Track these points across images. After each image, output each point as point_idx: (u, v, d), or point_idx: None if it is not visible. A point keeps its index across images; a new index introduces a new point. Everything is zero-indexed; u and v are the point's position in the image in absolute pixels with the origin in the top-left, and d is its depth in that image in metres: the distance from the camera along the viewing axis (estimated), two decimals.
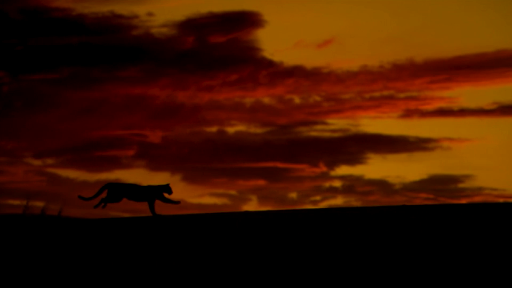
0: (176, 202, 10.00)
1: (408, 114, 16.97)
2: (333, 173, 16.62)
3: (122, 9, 16.90)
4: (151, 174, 16.60)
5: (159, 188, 10.08)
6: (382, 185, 16.51)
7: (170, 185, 10.10)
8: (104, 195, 9.90)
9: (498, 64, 16.95)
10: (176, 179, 15.65)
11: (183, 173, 16.27)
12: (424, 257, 6.14)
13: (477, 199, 15.89)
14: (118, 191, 9.93)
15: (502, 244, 6.55)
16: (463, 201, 15.57)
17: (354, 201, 16.39)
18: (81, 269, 6.32)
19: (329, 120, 16.98)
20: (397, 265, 5.92)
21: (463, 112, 16.92)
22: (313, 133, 16.95)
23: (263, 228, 8.39)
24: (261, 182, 16.58)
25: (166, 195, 10.04)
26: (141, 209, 10.19)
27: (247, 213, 10.45)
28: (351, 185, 16.47)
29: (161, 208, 10.16)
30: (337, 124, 16.94)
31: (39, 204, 10.18)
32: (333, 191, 16.38)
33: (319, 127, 16.95)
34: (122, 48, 16.85)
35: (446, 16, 17.34)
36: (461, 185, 16.45)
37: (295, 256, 6.45)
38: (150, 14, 16.82)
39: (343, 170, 16.65)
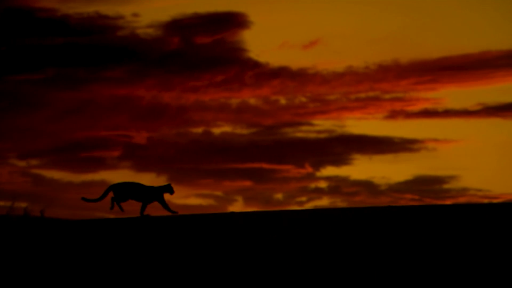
0: (173, 212, 9.92)
1: (393, 115, 17.02)
2: (318, 174, 16.64)
3: (107, 9, 16.86)
4: (137, 175, 16.56)
5: (161, 189, 9.98)
6: (367, 186, 16.55)
7: (172, 185, 10.01)
8: (109, 197, 9.84)
9: (483, 66, 17.03)
10: (162, 180, 15.61)
11: (168, 174, 16.24)
12: (409, 258, 6.16)
13: (462, 199, 15.96)
14: (123, 191, 9.85)
15: (487, 244, 6.57)
16: (448, 201, 15.63)
17: (339, 202, 16.42)
18: (64, 270, 6.29)
19: (315, 121, 17.00)
20: (383, 265, 5.93)
21: (448, 113, 16.98)
22: (299, 134, 16.96)
23: (249, 229, 8.38)
24: (247, 183, 16.59)
25: (168, 195, 9.96)
26: (127, 209, 10.16)
27: (233, 214, 10.44)
28: (337, 186, 16.49)
29: (150, 210, 10.13)
30: (322, 125, 16.96)
31: (24, 205, 10.13)
32: (319, 192, 16.41)
33: (304, 128, 16.97)
34: (108, 48, 16.81)
35: (431, 18, 17.40)
36: (446, 186, 16.51)
37: (281, 256, 6.45)
38: (135, 14, 16.79)
39: (329, 171, 16.68)
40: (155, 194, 9.96)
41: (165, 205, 9.92)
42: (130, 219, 9.94)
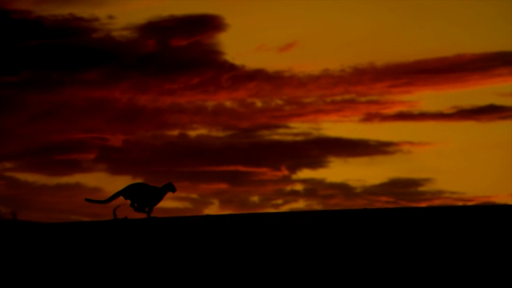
0: (151, 217, 9.84)
1: (369, 118, 17.09)
2: (294, 176, 16.67)
3: (82, 11, 16.79)
4: (112, 178, 16.49)
5: (164, 189, 9.80)
6: (343, 189, 16.60)
7: (172, 183, 9.85)
8: (118, 201, 9.72)
9: (458, 69, 17.14)
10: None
11: (144, 177, 16.16)
12: (384, 260, 6.17)
13: (437, 202, 16.06)
14: (135, 194, 9.70)
15: (461, 247, 6.60)
16: (423, 204, 15.71)
17: (315, 205, 16.46)
18: (35, 273, 6.25)
19: (291, 124, 17.03)
20: (358, 268, 5.94)
21: (423, 116, 17.08)
22: (275, 137, 16.98)
23: (225, 232, 8.37)
24: (223, 186, 16.58)
25: (170, 193, 9.82)
26: (103, 212, 10.08)
27: (208, 216, 10.42)
28: (313, 188, 16.53)
29: (120, 212, 10.06)
30: (299, 127, 17.00)
31: None
32: (295, 194, 16.43)
33: (281, 130, 16.99)
34: (83, 51, 16.74)
35: (406, 21, 17.48)
36: (421, 189, 16.61)
37: (257, 259, 6.44)
38: (110, 17, 16.73)
39: (305, 173, 16.72)
40: (160, 194, 9.83)
41: (151, 210, 9.83)
42: (104, 222, 9.88)
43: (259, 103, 17.00)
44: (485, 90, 17.50)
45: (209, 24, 16.95)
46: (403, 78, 17.11)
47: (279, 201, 16.24)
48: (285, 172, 16.58)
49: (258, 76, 16.92)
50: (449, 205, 11.82)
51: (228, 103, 17.00)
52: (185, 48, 17.06)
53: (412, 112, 17.02)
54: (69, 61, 16.65)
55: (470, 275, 5.56)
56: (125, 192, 9.68)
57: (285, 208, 15.91)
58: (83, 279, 5.97)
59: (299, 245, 7.07)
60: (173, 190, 9.80)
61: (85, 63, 16.68)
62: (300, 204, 16.26)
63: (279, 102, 17.00)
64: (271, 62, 17.67)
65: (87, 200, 9.78)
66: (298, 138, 16.93)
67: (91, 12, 16.70)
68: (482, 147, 17.42)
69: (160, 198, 9.78)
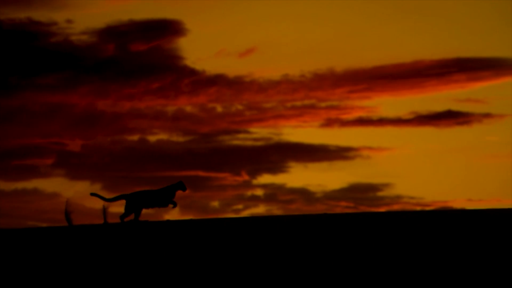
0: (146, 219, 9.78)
1: (329, 123, 17.16)
2: (255, 181, 16.67)
3: (40, 15, 16.64)
4: (71, 183, 16.35)
5: (173, 188, 9.64)
6: (303, 194, 16.64)
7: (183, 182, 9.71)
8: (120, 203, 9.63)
9: (416, 75, 17.30)
10: (97, 188, 15.44)
11: (103, 182, 16.08)
12: (343, 264, 6.19)
13: (396, 207, 16.15)
14: (139, 200, 9.56)
15: (419, 251, 6.65)
16: (382, 209, 15.80)
17: (276, 210, 16.47)
18: None
19: (252, 129, 17.04)
20: (317, 272, 5.95)
21: (382, 121, 17.19)
22: (235, 142, 16.98)
23: (185, 237, 8.34)
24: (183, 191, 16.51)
25: (180, 192, 9.71)
26: (58, 218, 10.00)
27: (169, 222, 10.38)
28: (273, 193, 16.54)
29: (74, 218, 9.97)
30: (259, 133, 17.01)
31: None
32: (255, 199, 16.43)
33: (241, 135, 16.99)
34: (41, 55, 16.59)
35: (365, 27, 17.61)
36: (380, 193, 16.70)
37: (216, 265, 6.43)
38: (69, 21, 16.60)
39: (265, 178, 16.72)
40: (168, 194, 9.68)
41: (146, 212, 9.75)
42: (61, 227, 9.80)
43: (219, 108, 16.98)
44: (442, 96, 17.68)
45: (169, 29, 16.90)
46: (362, 84, 17.21)
47: (240, 206, 16.22)
48: (245, 177, 16.57)
49: (218, 81, 16.91)
50: (408, 210, 11.91)
51: (188, 108, 16.96)
52: (144, 53, 17.00)
53: (371, 117, 17.12)
54: (26, 65, 16.49)
55: (427, 279, 5.60)
56: (130, 197, 9.65)
57: (246, 213, 15.90)
58: (39, 285, 5.91)
59: (259, 250, 7.07)
60: (184, 189, 9.74)
61: (43, 67, 16.53)
62: (260, 209, 16.26)
63: (240, 107, 17.01)
64: (232, 67, 17.67)
65: (92, 194, 9.74)
66: (259, 143, 16.94)
67: (49, 16, 16.55)
68: (439, 152, 17.59)
69: (169, 197, 9.68)
